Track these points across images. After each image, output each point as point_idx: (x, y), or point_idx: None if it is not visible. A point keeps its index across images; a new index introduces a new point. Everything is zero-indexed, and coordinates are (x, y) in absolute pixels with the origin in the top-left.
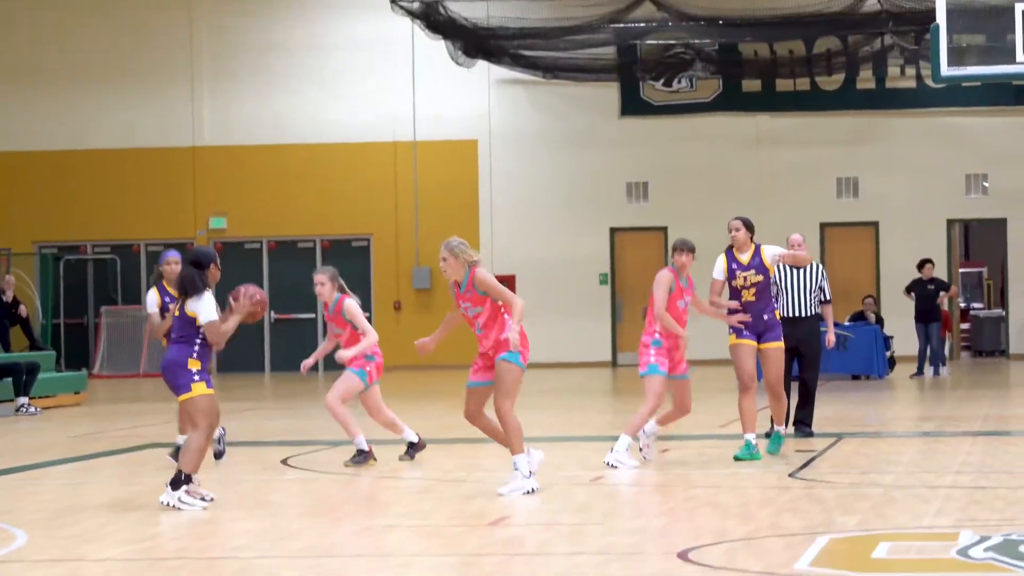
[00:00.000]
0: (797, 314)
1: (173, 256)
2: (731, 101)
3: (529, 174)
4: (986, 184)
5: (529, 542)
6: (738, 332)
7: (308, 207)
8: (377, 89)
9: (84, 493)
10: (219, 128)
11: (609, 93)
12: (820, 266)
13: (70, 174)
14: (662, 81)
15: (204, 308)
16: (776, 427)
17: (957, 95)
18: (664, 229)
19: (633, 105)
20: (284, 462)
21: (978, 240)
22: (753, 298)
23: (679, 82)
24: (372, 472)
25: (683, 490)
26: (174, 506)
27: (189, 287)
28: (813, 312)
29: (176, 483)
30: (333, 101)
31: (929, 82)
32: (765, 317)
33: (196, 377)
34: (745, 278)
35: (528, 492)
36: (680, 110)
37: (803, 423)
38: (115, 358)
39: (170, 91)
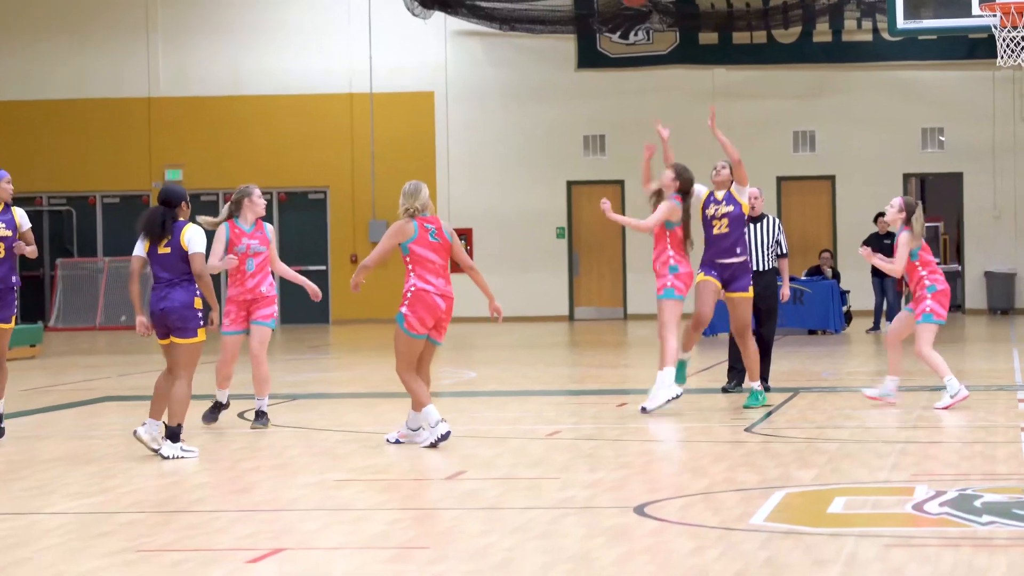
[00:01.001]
0: (754, 268)
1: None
2: (688, 54)
3: (486, 127)
4: (942, 138)
5: (485, 496)
6: (705, 269)
7: (264, 159)
8: (333, 40)
9: (39, 447)
10: (175, 79)
11: (566, 46)
12: (777, 220)
13: (25, 125)
14: (619, 33)
15: (195, 242)
16: (752, 383)
17: (913, 48)
18: (621, 182)
19: (590, 58)
20: (240, 415)
21: (934, 194)
22: (726, 230)
23: (636, 34)
24: (328, 426)
25: (639, 444)
26: (178, 457)
27: (152, 229)
28: (770, 266)
29: (174, 436)
30: (289, 52)
31: (886, 35)
32: (733, 261)
33: (202, 321)
34: (716, 209)
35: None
36: (637, 63)
37: (761, 379)
38: (71, 311)
39: (125, 41)
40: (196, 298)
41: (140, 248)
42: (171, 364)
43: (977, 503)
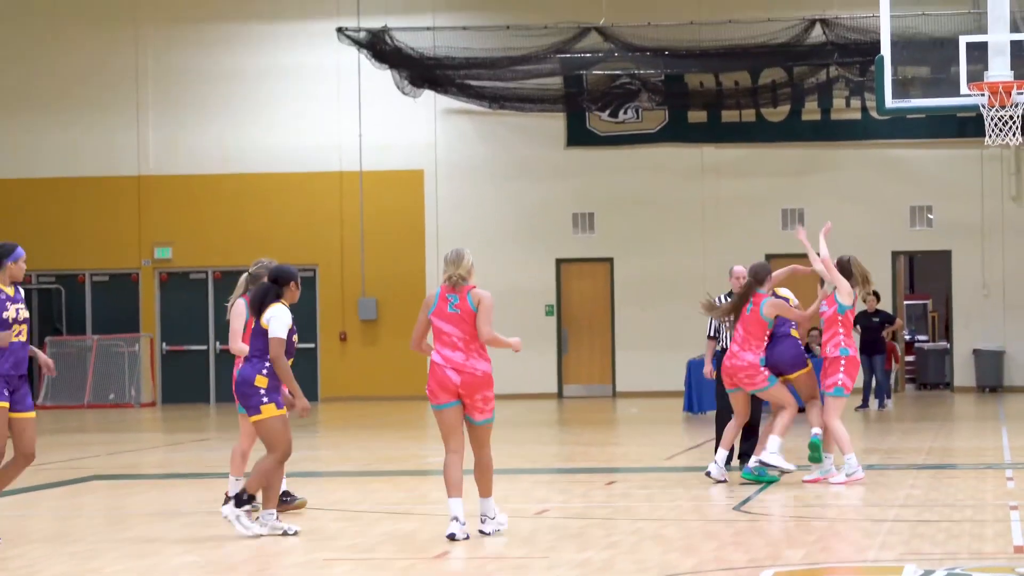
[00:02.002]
0: None
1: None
2: (677, 132)
3: (475, 204)
4: (931, 216)
5: (475, 575)
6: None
7: (254, 237)
8: (323, 118)
9: (26, 525)
10: (165, 156)
11: (555, 123)
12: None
13: (14, 202)
14: (608, 112)
15: (276, 322)
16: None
17: (902, 127)
18: (610, 260)
19: (579, 136)
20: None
21: (923, 272)
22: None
23: (625, 113)
24: (317, 505)
25: (628, 523)
26: (230, 520)
27: (262, 303)
28: None
29: (239, 500)
30: (279, 130)
31: (874, 114)
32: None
33: (265, 398)
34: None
35: None
36: (626, 141)
37: (750, 455)
38: (60, 389)
39: (115, 119)
40: (258, 375)
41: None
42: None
43: None
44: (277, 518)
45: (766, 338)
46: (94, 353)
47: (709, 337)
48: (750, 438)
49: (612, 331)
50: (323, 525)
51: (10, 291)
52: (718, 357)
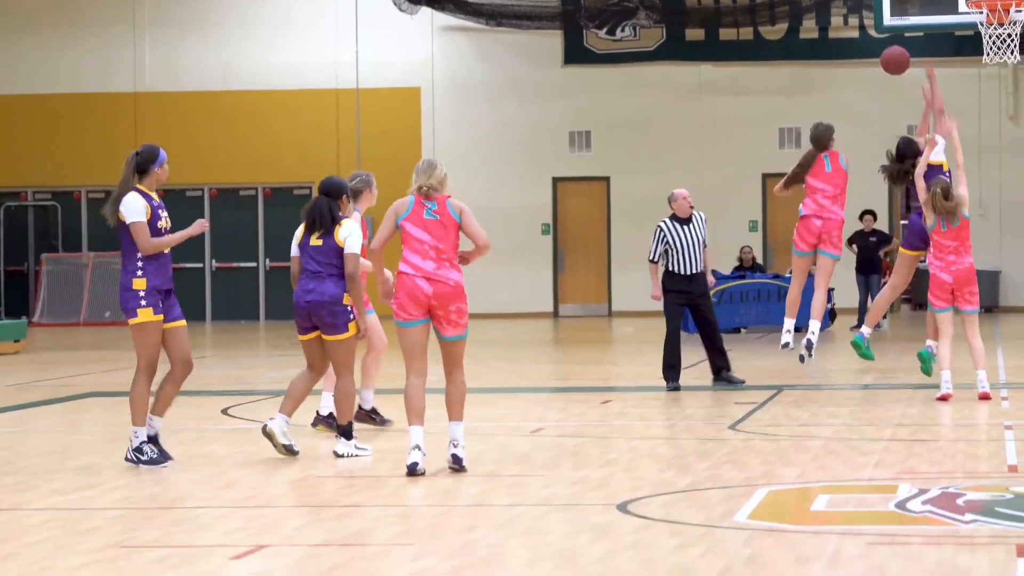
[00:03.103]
0: (692, 270)
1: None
2: (674, 50)
3: (472, 123)
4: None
5: (469, 493)
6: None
7: (250, 154)
8: (320, 35)
9: (23, 442)
10: (161, 74)
11: (552, 42)
12: (702, 215)
13: (9, 119)
14: (606, 29)
15: (353, 239)
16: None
17: (900, 45)
18: (607, 179)
19: (576, 54)
20: (224, 412)
21: None
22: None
23: (623, 30)
24: (312, 420)
25: (624, 441)
26: (353, 455)
27: (320, 219)
28: (703, 267)
29: (347, 434)
30: (275, 47)
31: (872, 32)
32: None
33: (352, 316)
34: None
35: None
36: (623, 59)
37: (725, 369)
38: (56, 306)
39: (112, 36)
40: (346, 293)
41: (295, 247)
42: (315, 361)
43: (960, 501)
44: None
45: None
46: (90, 270)
47: (652, 261)
48: (721, 354)
49: (608, 250)
50: (318, 443)
51: (157, 198)
52: (673, 279)
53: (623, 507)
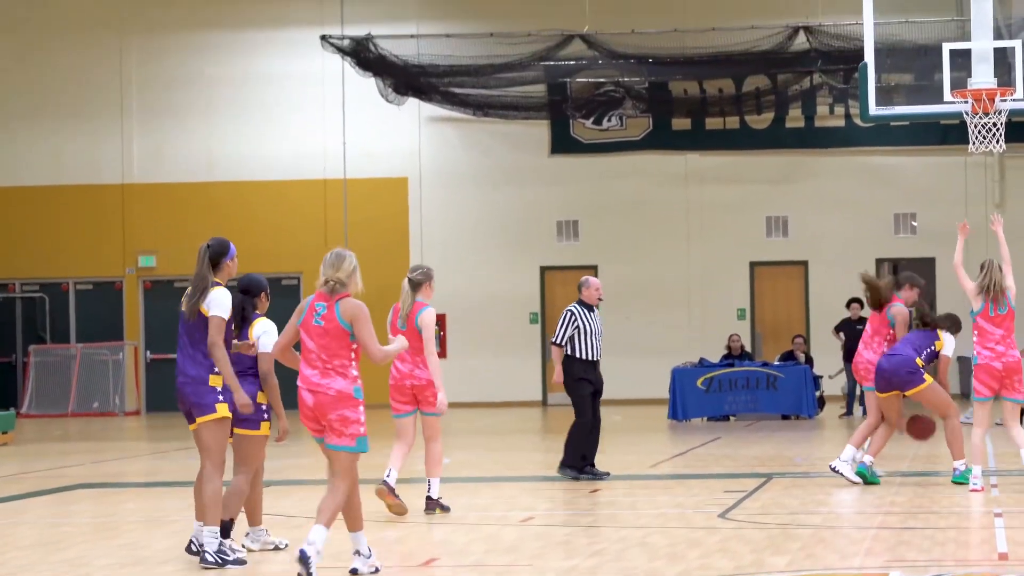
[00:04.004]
0: (598, 357)
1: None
2: (661, 139)
3: (460, 212)
4: (915, 223)
5: None
6: None
7: (238, 245)
8: (307, 126)
9: (12, 534)
10: (148, 164)
11: (539, 131)
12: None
13: None
14: (592, 119)
15: (267, 337)
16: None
17: (886, 134)
18: (595, 267)
19: (563, 143)
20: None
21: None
22: None
23: (609, 120)
24: (301, 513)
25: (613, 530)
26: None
27: (243, 317)
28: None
29: (226, 531)
30: (263, 138)
31: (858, 121)
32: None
33: (266, 415)
34: None
35: None
36: (610, 148)
37: (592, 464)
38: (43, 397)
39: (99, 126)
40: (260, 392)
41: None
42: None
43: None
44: (267, 533)
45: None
46: (78, 361)
47: (557, 344)
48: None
49: None
50: (307, 533)
51: None
52: (581, 366)
53: None
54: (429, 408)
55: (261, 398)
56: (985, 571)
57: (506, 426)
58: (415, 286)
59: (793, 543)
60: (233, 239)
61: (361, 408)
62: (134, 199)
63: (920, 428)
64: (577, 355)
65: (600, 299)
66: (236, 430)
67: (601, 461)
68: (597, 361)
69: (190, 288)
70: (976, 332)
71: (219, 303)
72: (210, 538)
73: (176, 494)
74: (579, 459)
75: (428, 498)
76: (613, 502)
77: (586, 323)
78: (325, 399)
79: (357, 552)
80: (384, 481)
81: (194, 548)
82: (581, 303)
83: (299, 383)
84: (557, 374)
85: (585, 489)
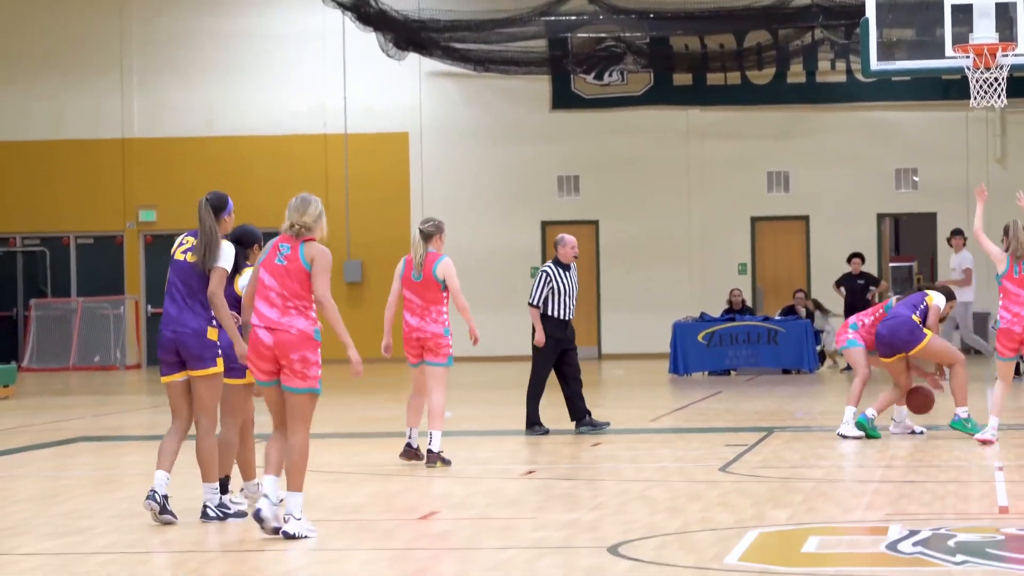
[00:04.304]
0: (569, 316)
1: None
2: (662, 95)
3: (460, 167)
4: (916, 179)
5: (460, 536)
6: None
7: (238, 200)
8: (308, 81)
9: (13, 487)
10: (149, 120)
11: (540, 86)
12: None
13: None
14: (593, 74)
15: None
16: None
17: (887, 89)
18: (595, 223)
19: (564, 98)
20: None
21: (908, 234)
22: None
23: (610, 75)
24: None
25: (614, 484)
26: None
27: (235, 268)
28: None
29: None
30: (264, 93)
31: (859, 76)
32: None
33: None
34: None
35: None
36: (611, 103)
37: (589, 414)
38: (44, 351)
39: (100, 82)
40: (211, 328)
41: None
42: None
43: (951, 543)
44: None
45: None
46: (79, 315)
47: (533, 305)
48: (582, 398)
49: (598, 293)
50: (307, 487)
51: None
52: (551, 324)
53: (614, 550)
54: (433, 358)
55: (211, 334)
56: (986, 524)
57: (507, 380)
58: (426, 237)
59: (794, 496)
60: (233, 194)
61: (319, 351)
62: (135, 154)
63: (920, 401)
64: (549, 313)
65: (576, 257)
66: (227, 380)
67: (602, 415)
68: (568, 320)
69: (197, 240)
70: (1001, 294)
71: (226, 256)
72: (210, 493)
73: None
74: (537, 414)
75: (429, 451)
76: (614, 456)
77: (561, 283)
78: (287, 338)
79: (289, 515)
80: (407, 444)
81: (157, 499)
82: (557, 262)
83: (254, 321)
84: (538, 336)
85: (586, 443)
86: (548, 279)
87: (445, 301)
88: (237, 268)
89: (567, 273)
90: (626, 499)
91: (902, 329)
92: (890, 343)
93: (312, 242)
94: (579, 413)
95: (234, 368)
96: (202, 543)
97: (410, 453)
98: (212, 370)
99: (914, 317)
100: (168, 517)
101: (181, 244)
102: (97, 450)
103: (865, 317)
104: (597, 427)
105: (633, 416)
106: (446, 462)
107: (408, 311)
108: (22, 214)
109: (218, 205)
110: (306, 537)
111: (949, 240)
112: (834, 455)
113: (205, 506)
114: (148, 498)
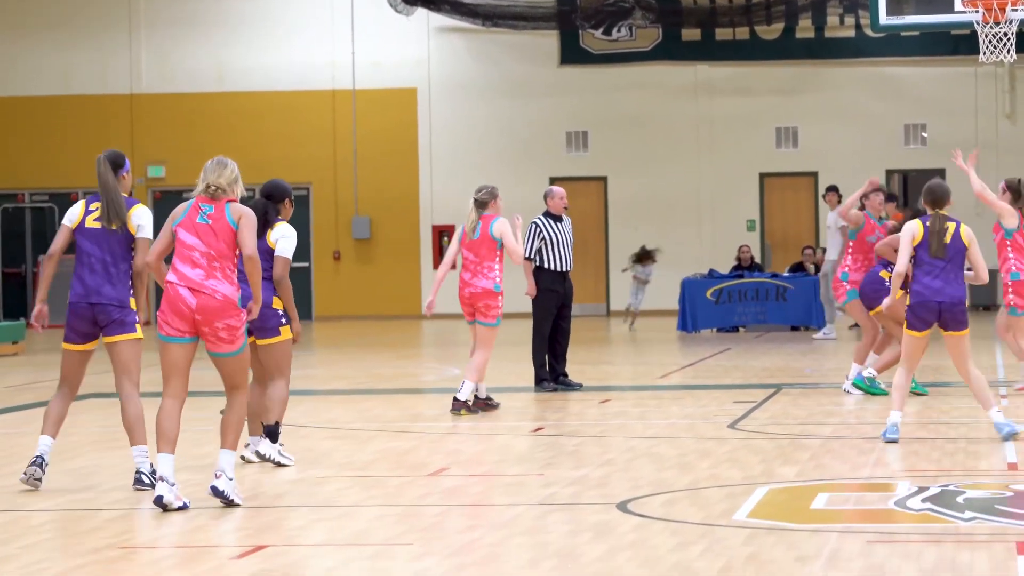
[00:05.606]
0: (566, 267)
1: None
2: (670, 50)
3: (468, 123)
4: (925, 134)
5: (469, 493)
6: None
7: (247, 155)
8: (316, 37)
9: (22, 444)
10: (157, 75)
11: (549, 42)
12: (570, 220)
13: (6, 121)
14: (602, 30)
15: (285, 241)
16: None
17: (896, 44)
18: (604, 179)
19: (572, 54)
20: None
21: (917, 190)
22: None
23: (619, 31)
24: (311, 423)
25: (623, 441)
26: (274, 460)
27: (266, 221)
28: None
29: (273, 435)
30: (272, 48)
31: (868, 31)
32: None
33: (283, 319)
34: None
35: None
36: (620, 59)
37: (564, 375)
38: (53, 308)
39: (108, 37)
40: (275, 298)
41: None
42: (257, 370)
43: (959, 499)
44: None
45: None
46: None
47: (527, 258)
48: (564, 356)
49: (606, 250)
50: (316, 443)
51: None
52: (547, 276)
53: (623, 506)
54: (482, 318)
55: (277, 303)
56: (994, 481)
57: (517, 336)
58: (482, 205)
59: (802, 453)
60: (242, 150)
61: (243, 315)
62: (143, 109)
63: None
64: (545, 265)
65: (566, 207)
66: (259, 342)
67: (611, 372)
68: (566, 272)
69: (102, 203)
70: (1012, 249)
71: (149, 222)
72: (140, 457)
73: (188, 403)
74: (544, 370)
75: (455, 399)
76: (623, 412)
77: (553, 233)
78: (212, 304)
79: (221, 472)
80: (463, 401)
81: (144, 480)
82: (547, 214)
83: (174, 279)
84: (530, 287)
85: (595, 400)
86: (538, 231)
87: (499, 259)
88: (268, 222)
89: (559, 224)
90: (634, 456)
91: (867, 287)
92: (867, 296)
93: (235, 202)
94: (553, 373)
95: (268, 328)
96: (210, 500)
97: (479, 403)
98: (134, 335)
99: (883, 273)
100: (37, 471)
101: (90, 212)
102: (105, 407)
103: (850, 264)
104: (573, 387)
105: (641, 373)
106: (472, 410)
107: (464, 268)
108: (30, 170)
109: (117, 162)
110: (235, 500)
111: (824, 196)
112: (842, 412)
113: (139, 471)
114: (34, 464)
